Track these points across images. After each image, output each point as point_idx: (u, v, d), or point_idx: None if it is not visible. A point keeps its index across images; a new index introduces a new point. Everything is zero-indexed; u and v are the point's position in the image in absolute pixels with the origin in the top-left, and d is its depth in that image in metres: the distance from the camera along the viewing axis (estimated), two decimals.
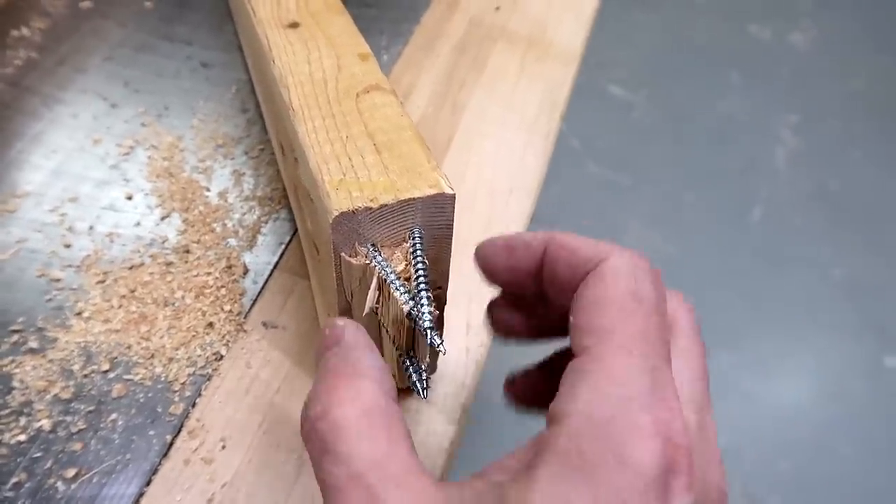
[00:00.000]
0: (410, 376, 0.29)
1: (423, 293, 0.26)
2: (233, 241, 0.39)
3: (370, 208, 0.26)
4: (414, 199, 0.26)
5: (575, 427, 0.19)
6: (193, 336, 0.35)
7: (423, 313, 0.25)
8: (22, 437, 0.31)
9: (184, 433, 0.32)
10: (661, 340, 0.21)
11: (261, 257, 0.39)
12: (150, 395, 0.33)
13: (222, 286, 0.37)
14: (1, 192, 0.40)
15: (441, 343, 0.25)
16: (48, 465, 0.31)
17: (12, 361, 0.33)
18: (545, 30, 0.53)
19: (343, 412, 0.20)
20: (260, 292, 0.37)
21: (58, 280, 0.36)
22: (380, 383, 0.22)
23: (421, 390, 0.29)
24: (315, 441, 0.20)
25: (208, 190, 0.41)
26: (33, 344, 0.34)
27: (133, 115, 0.44)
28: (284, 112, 0.32)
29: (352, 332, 0.23)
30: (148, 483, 0.31)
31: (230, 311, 0.36)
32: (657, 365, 0.20)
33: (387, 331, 0.29)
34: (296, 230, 0.39)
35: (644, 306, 0.21)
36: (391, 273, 0.26)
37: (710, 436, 0.23)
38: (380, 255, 0.27)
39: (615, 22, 1.83)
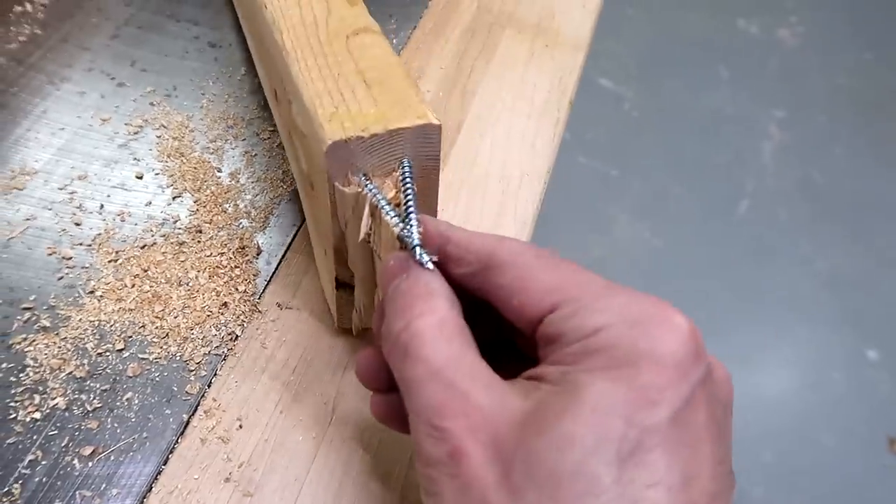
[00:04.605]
0: None
1: (412, 215, 0.27)
2: (245, 222, 0.39)
3: (362, 137, 0.27)
4: (403, 129, 0.28)
5: (615, 330, 0.22)
6: (208, 316, 0.35)
7: (412, 232, 0.26)
8: (37, 415, 0.31)
9: (200, 412, 0.32)
10: None
11: (274, 238, 0.38)
12: (165, 374, 0.33)
13: (236, 266, 0.37)
14: (9, 170, 0.39)
15: (429, 260, 0.25)
16: (64, 442, 0.31)
17: (25, 339, 0.33)
18: (553, 17, 0.53)
19: (422, 322, 0.23)
20: (274, 273, 0.37)
21: (69, 258, 0.36)
22: (451, 301, 0.24)
23: None
24: (398, 350, 0.23)
25: (219, 170, 0.41)
26: (45, 322, 0.34)
27: (141, 95, 0.43)
28: (278, 55, 0.33)
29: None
30: (165, 461, 0.31)
31: (244, 291, 0.36)
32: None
33: (379, 258, 0.29)
34: None
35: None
36: (382, 199, 0.27)
37: None
38: (371, 182, 0.28)
39: (606, 15, 1.82)
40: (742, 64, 1.79)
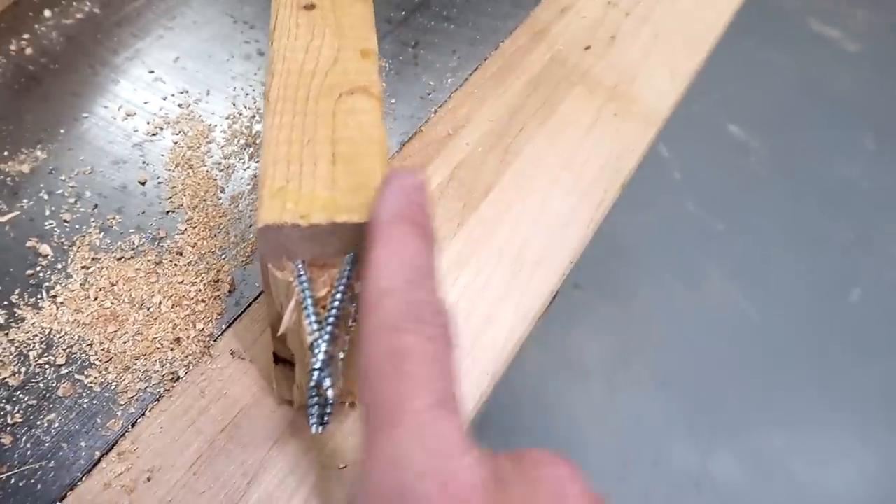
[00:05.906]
0: (312, 406, 0.26)
1: (329, 328, 0.23)
2: (229, 253, 0.37)
3: (298, 225, 0.23)
4: (349, 223, 0.24)
5: None
6: (157, 349, 0.33)
7: (319, 351, 0.23)
8: None
9: (113, 454, 0.31)
10: None
11: (252, 277, 0.36)
12: (94, 402, 0.32)
13: (202, 300, 0.35)
14: (19, 151, 0.39)
15: (329, 388, 0.22)
16: None
17: None
18: (633, 81, 0.48)
19: None
20: (239, 316, 0.35)
21: (45, 256, 0.35)
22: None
23: (314, 424, 0.26)
24: None
25: (223, 191, 0.39)
26: (0, 319, 0.33)
27: (172, 94, 0.42)
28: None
29: None
30: (62, 498, 0.29)
31: (202, 330, 0.34)
32: None
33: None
34: None
35: None
36: (308, 297, 0.24)
37: None
38: (304, 274, 0.24)
39: (747, 58, 1.70)
40: (892, 135, 1.62)
